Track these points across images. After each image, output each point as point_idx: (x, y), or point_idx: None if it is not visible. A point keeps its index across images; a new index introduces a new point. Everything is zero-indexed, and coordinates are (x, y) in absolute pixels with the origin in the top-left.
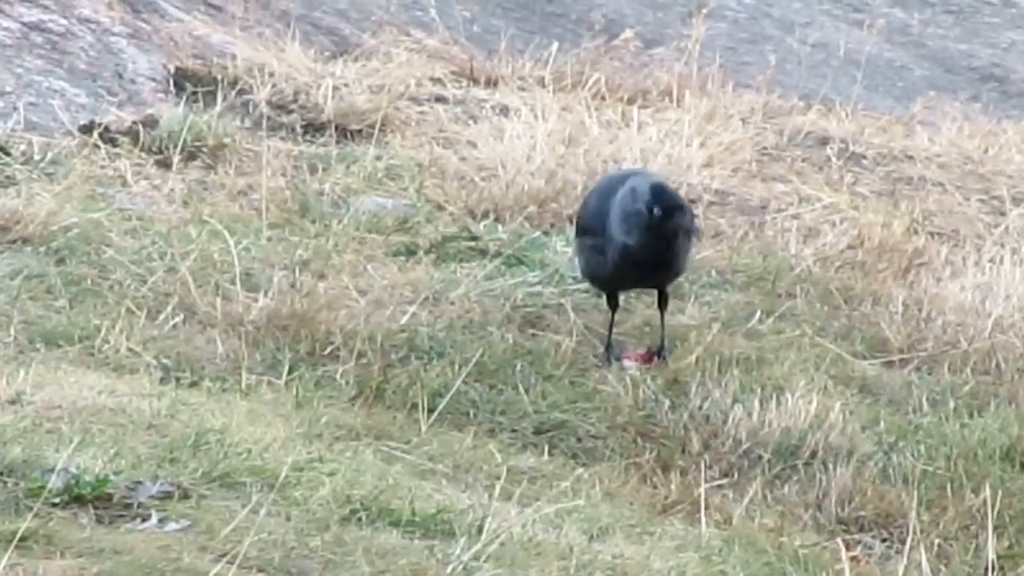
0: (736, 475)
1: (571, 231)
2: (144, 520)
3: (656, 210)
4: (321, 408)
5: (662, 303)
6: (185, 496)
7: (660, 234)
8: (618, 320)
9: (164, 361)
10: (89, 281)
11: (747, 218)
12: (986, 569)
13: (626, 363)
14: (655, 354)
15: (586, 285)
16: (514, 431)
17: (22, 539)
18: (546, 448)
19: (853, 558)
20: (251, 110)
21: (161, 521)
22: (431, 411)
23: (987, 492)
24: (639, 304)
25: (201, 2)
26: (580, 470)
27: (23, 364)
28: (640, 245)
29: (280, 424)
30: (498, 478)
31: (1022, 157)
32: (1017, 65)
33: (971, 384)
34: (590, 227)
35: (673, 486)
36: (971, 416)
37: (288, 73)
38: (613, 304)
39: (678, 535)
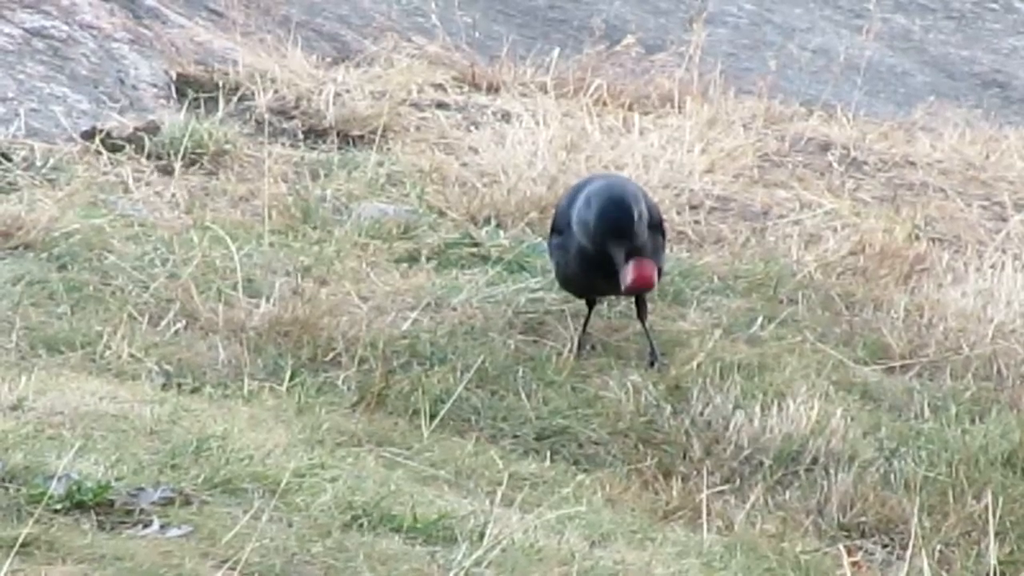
0: (738, 481)
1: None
2: (146, 526)
3: (598, 238)
4: (323, 414)
5: (640, 312)
6: (187, 502)
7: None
8: (618, 327)
9: (166, 367)
10: (91, 287)
11: (748, 224)
12: (987, 575)
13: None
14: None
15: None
16: (516, 437)
17: (24, 545)
18: (548, 454)
19: (854, 564)
20: (253, 116)
21: (163, 527)
22: (433, 417)
23: (989, 498)
24: None
25: (203, 8)
26: (581, 476)
27: (25, 370)
28: (595, 254)
29: (282, 430)
30: (500, 484)
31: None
32: (1019, 71)
33: (973, 390)
34: (560, 226)
35: (674, 492)
36: (973, 422)
37: (290, 79)
38: (590, 304)
39: (679, 541)
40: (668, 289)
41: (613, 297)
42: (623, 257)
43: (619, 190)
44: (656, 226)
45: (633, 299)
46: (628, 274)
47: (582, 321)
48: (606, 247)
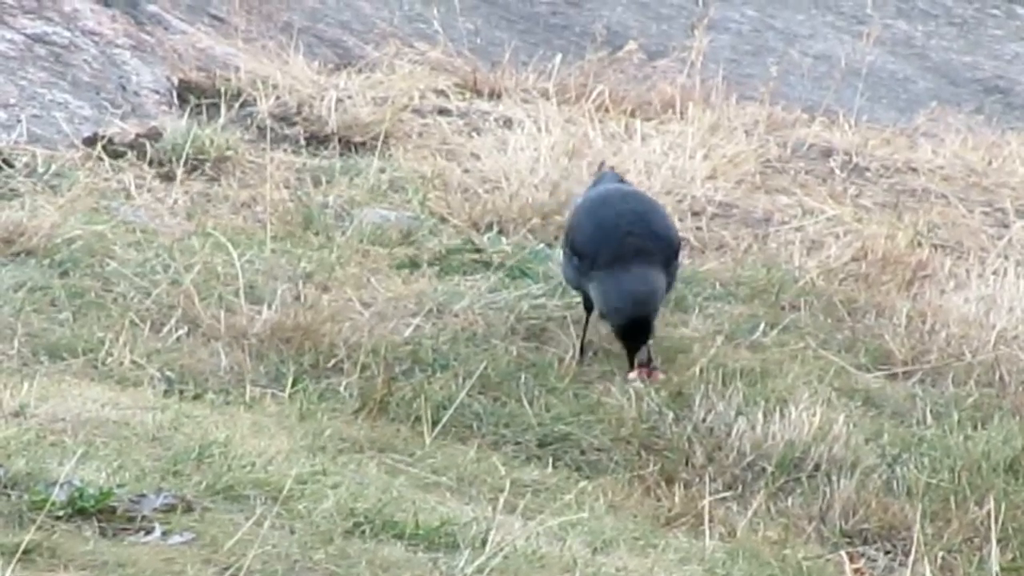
0: (740, 487)
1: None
2: (148, 533)
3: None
4: (325, 421)
5: None
6: (189, 509)
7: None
8: None
9: (168, 374)
10: (93, 294)
11: (751, 230)
12: None
13: (630, 376)
14: (653, 368)
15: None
16: (518, 443)
17: (26, 552)
18: (550, 461)
19: (857, 570)
20: (254, 122)
21: (165, 534)
22: (435, 423)
23: (991, 504)
24: None
25: (205, 14)
26: (584, 482)
27: (27, 377)
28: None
29: (284, 437)
30: (502, 491)
31: None
32: (1021, 77)
33: (975, 396)
34: (584, 253)
35: (677, 498)
36: (975, 428)
37: (292, 85)
38: (588, 306)
39: (682, 547)
40: (670, 296)
41: None
42: (637, 349)
43: (646, 283)
44: (675, 253)
45: None
46: (634, 374)
47: (589, 328)
48: (624, 340)
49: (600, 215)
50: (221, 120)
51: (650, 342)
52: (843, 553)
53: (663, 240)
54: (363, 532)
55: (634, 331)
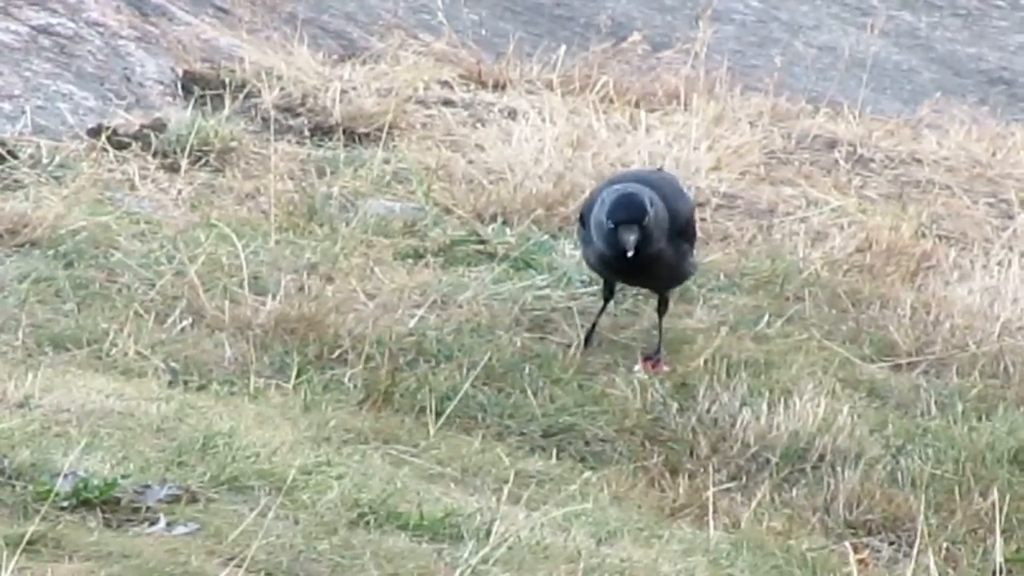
0: (744, 478)
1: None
2: (152, 524)
3: (610, 223)
4: (329, 412)
5: (660, 307)
6: (193, 499)
7: (619, 247)
8: (626, 323)
9: (172, 364)
10: (97, 284)
11: (755, 221)
12: (994, 572)
13: (635, 367)
14: (657, 360)
15: (594, 287)
16: (522, 434)
17: (30, 542)
18: (554, 451)
19: (861, 561)
20: (259, 113)
21: (169, 525)
22: (439, 414)
23: (995, 495)
24: (647, 307)
25: (209, 5)
26: (588, 473)
27: (31, 367)
28: (609, 254)
29: (288, 427)
30: (506, 481)
31: None
32: None
33: (979, 387)
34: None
35: (681, 489)
36: (979, 419)
37: (296, 76)
38: (606, 295)
39: (686, 538)
40: (682, 283)
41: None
42: (632, 240)
43: (632, 188)
44: (681, 232)
45: (656, 294)
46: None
47: (589, 318)
48: (617, 235)
49: (610, 184)
50: (225, 111)
51: (663, 322)
52: (847, 544)
53: (669, 208)
54: (367, 523)
55: (623, 233)
